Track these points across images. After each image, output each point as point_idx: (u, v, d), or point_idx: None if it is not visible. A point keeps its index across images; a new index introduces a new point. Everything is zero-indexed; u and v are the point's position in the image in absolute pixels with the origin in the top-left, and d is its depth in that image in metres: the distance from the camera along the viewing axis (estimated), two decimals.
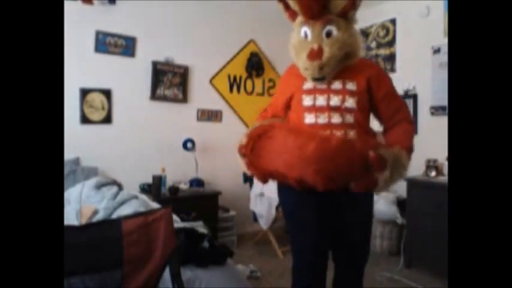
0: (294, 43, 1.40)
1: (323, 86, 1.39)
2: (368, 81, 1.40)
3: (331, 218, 1.46)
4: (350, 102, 1.36)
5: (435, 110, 3.12)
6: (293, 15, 1.40)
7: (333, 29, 1.31)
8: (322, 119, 1.36)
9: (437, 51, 3.11)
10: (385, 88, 1.44)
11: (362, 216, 1.51)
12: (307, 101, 1.40)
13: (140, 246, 1.06)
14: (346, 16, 1.33)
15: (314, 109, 1.38)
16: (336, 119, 1.36)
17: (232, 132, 3.66)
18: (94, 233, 1.04)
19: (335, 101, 1.37)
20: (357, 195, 1.34)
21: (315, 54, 1.29)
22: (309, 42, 1.34)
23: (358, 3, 1.33)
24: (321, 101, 1.38)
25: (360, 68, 1.42)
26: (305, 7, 1.30)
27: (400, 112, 1.44)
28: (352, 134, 1.35)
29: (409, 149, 1.36)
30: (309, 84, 1.41)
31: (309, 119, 1.39)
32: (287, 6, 1.39)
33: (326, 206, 1.43)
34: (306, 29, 1.34)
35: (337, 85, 1.39)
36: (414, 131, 1.48)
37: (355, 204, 1.44)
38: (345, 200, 1.42)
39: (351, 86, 1.38)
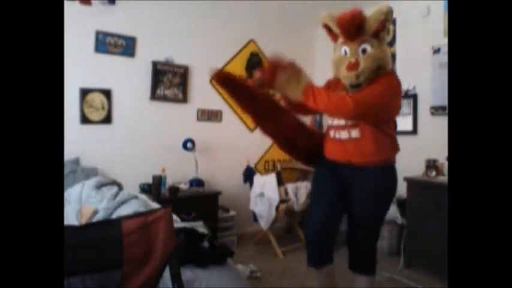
0: (335, 59, 1.68)
1: None
2: None
3: (347, 190, 1.70)
4: None
5: (435, 110, 3.12)
6: (335, 37, 1.70)
7: (367, 47, 1.58)
8: (337, 121, 1.68)
9: (437, 51, 3.11)
10: (372, 86, 1.59)
11: (378, 191, 1.69)
12: None
13: (140, 246, 1.06)
14: (378, 36, 1.60)
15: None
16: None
17: (232, 132, 3.68)
18: (94, 233, 1.04)
19: None
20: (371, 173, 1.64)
21: (352, 66, 1.57)
22: (348, 57, 1.61)
23: (388, 26, 1.62)
24: None
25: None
26: (345, 30, 1.59)
27: (361, 91, 1.58)
28: (362, 132, 1.61)
29: (320, 95, 1.52)
30: None
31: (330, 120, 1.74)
32: (330, 30, 1.70)
33: (345, 178, 1.69)
34: (345, 48, 1.62)
35: None
36: (344, 104, 1.50)
37: (369, 180, 1.66)
38: (360, 174, 1.65)
39: None
